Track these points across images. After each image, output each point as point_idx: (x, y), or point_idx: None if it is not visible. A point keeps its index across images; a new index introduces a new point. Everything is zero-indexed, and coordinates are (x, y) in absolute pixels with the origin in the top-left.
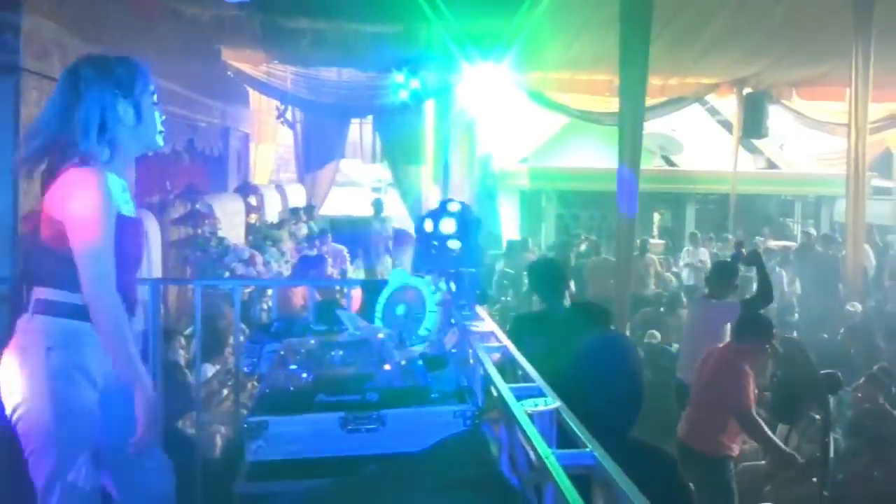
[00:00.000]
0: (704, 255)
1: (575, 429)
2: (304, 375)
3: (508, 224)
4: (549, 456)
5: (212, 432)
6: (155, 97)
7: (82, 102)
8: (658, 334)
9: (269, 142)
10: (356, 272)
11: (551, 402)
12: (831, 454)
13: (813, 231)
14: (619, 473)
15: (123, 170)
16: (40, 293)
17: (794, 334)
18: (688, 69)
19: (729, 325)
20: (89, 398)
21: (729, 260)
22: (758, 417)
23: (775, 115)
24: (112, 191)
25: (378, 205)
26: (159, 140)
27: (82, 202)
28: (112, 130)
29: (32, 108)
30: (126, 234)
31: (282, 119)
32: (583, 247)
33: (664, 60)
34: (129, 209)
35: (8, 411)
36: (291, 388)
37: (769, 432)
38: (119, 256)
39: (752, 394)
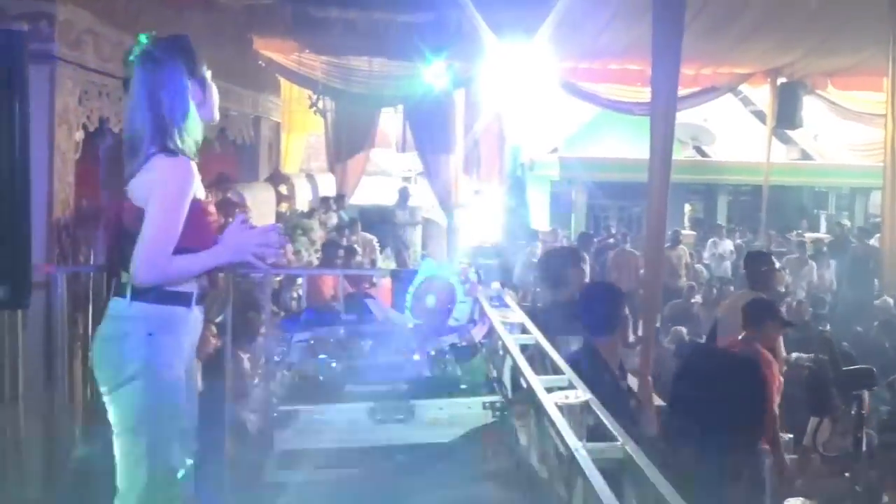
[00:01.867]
0: (729, 246)
1: (605, 421)
2: (334, 365)
3: (538, 215)
4: (579, 449)
5: (242, 420)
6: (210, 72)
7: (164, 87)
8: (684, 330)
9: (299, 131)
10: (386, 262)
11: (581, 395)
12: (864, 449)
13: (847, 222)
14: (649, 466)
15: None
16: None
17: (828, 327)
18: (721, 58)
19: None
20: (181, 380)
21: (762, 250)
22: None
23: (810, 106)
24: (195, 178)
25: (404, 193)
26: (216, 113)
27: (167, 188)
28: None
29: (67, 98)
30: (205, 215)
31: (315, 108)
32: (611, 240)
33: (697, 49)
34: (201, 192)
35: (106, 390)
36: (321, 378)
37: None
38: (197, 238)
39: (775, 384)
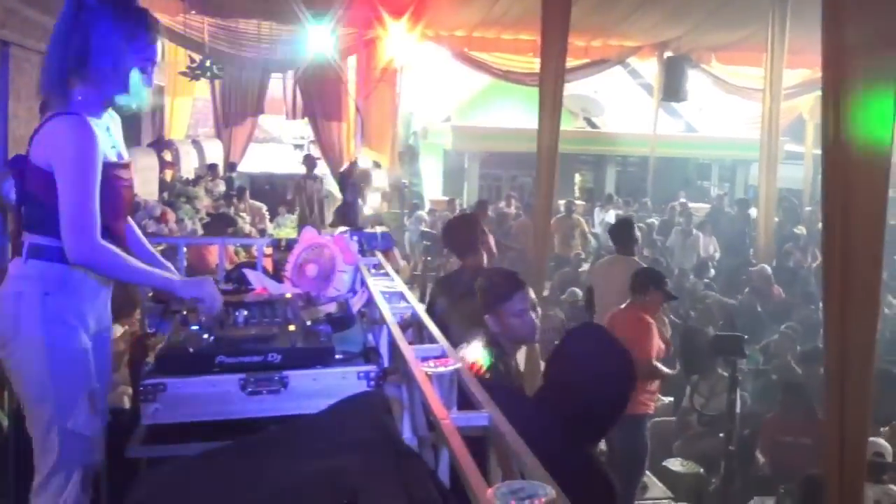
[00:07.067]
0: (612, 217)
1: (473, 390)
2: (206, 336)
3: (431, 183)
4: (445, 418)
5: (119, 394)
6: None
7: (88, 29)
8: (579, 292)
9: (185, 95)
10: (276, 230)
11: (452, 363)
12: (738, 410)
13: (720, 192)
14: (512, 434)
15: (102, 112)
16: (34, 239)
17: (713, 293)
18: (610, 31)
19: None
20: (84, 343)
21: (625, 217)
22: (656, 363)
23: (695, 80)
24: (98, 138)
25: (310, 161)
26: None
27: (68, 153)
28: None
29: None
30: (114, 179)
31: (198, 73)
32: (512, 208)
33: (587, 21)
34: (113, 153)
35: (3, 354)
36: (191, 350)
37: (663, 369)
38: (107, 202)
39: (654, 344)
